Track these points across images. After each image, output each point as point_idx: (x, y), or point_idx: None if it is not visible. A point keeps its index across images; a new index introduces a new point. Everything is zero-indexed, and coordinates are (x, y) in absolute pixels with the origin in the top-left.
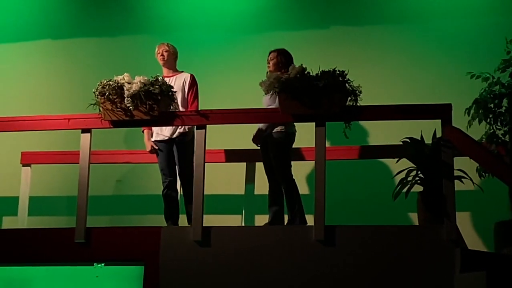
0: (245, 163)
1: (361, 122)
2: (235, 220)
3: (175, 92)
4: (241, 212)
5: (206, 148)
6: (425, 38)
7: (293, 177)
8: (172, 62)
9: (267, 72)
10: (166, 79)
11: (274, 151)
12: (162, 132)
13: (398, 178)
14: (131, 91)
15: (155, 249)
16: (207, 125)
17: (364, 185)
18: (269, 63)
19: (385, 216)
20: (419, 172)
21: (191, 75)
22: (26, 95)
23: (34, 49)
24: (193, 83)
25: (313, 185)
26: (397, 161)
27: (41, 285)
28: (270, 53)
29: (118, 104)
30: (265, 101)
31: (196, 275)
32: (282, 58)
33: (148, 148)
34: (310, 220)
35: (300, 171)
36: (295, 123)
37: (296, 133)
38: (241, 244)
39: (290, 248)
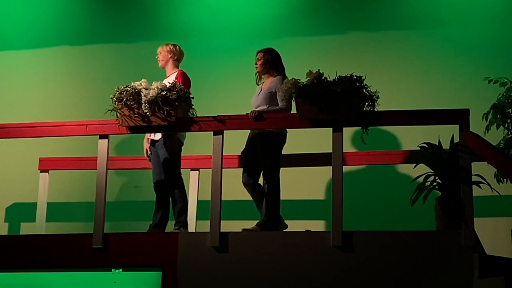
0: None
1: (379, 128)
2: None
3: (193, 98)
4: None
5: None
6: (442, 43)
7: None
8: (167, 63)
9: (255, 73)
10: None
11: (264, 150)
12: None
13: (415, 184)
14: (149, 97)
15: (173, 255)
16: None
17: (382, 190)
18: (256, 63)
19: (402, 222)
20: (436, 178)
21: (178, 71)
22: (44, 101)
23: (52, 56)
24: (178, 79)
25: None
26: (415, 166)
27: None
28: (257, 53)
29: (136, 110)
30: (255, 101)
31: (213, 280)
32: (269, 57)
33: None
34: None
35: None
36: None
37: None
38: (259, 250)
39: (307, 254)
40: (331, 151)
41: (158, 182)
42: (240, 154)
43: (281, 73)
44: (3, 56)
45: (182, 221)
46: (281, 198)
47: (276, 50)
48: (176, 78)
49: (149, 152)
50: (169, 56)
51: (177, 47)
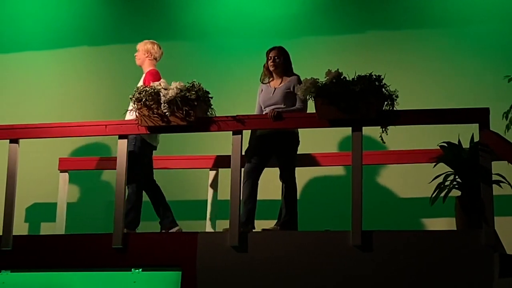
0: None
1: (398, 127)
2: (271, 225)
3: (212, 97)
4: (276, 217)
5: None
6: (462, 42)
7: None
8: (144, 62)
9: (266, 69)
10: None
11: (283, 150)
12: None
13: (435, 183)
14: (168, 97)
15: (192, 255)
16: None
17: (401, 190)
18: (274, 60)
19: (422, 221)
20: (456, 177)
21: (149, 69)
22: (63, 102)
23: (70, 56)
24: (147, 76)
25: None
26: (435, 165)
27: None
28: (272, 50)
29: (155, 110)
30: (269, 100)
31: (233, 280)
32: (285, 56)
33: None
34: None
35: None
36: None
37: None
38: (278, 249)
39: (327, 254)
40: None
41: (145, 182)
42: (244, 153)
43: (294, 73)
44: (22, 57)
45: (127, 222)
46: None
47: None
48: (145, 78)
49: None
50: (145, 56)
51: (155, 46)
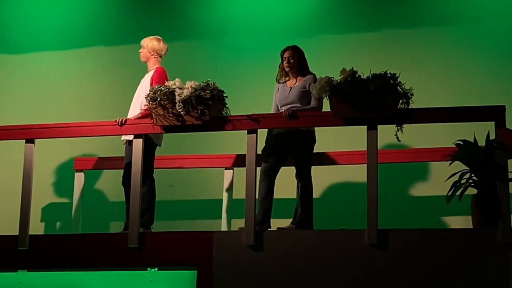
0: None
1: (413, 125)
2: (287, 224)
3: (226, 97)
4: (292, 216)
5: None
6: (477, 40)
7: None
8: (149, 60)
9: (282, 69)
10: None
11: (299, 150)
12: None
13: (451, 181)
14: (182, 96)
15: (208, 254)
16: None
17: (416, 188)
18: (289, 61)
19: (438, 220)
20: (472, 175)
21: (156, 68)
22: (79, 102)
23: (87, 56)
24: (155, 76)
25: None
26: (450, 163)
27: None
28: (285, 50)
29: (170, 110)
30: (285, 99)
31: (249, 279)
32: (300, 55)
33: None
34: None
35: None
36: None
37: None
38: (294, 248)
39: (342, 252)
40: None
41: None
42: (261, 152)
43: (309, 71)
44: (39, 57)
45: (144, 222)
46: (315, 196)
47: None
48: (153, 77)
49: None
50: (151, 54)
51: (161, 44)
